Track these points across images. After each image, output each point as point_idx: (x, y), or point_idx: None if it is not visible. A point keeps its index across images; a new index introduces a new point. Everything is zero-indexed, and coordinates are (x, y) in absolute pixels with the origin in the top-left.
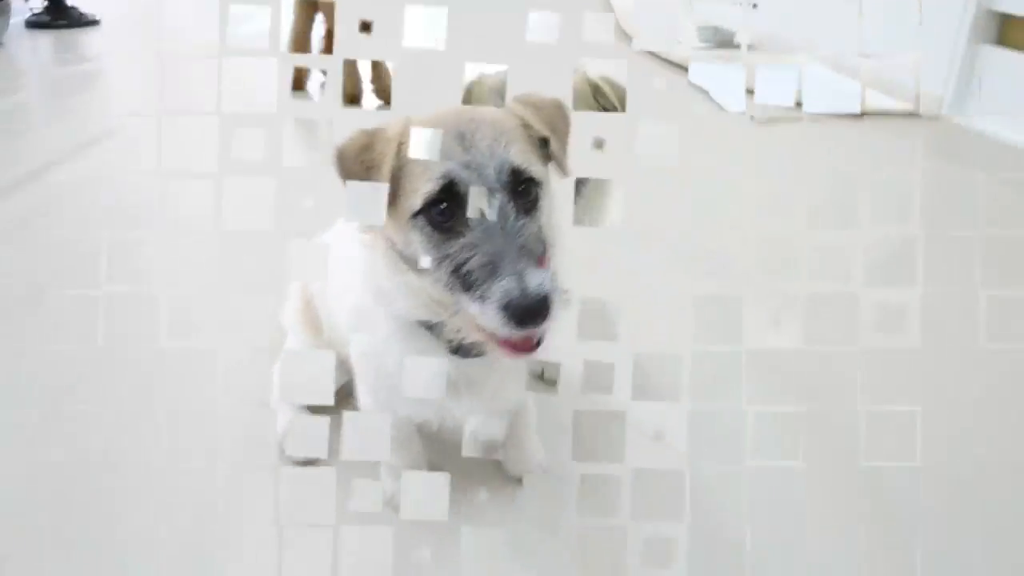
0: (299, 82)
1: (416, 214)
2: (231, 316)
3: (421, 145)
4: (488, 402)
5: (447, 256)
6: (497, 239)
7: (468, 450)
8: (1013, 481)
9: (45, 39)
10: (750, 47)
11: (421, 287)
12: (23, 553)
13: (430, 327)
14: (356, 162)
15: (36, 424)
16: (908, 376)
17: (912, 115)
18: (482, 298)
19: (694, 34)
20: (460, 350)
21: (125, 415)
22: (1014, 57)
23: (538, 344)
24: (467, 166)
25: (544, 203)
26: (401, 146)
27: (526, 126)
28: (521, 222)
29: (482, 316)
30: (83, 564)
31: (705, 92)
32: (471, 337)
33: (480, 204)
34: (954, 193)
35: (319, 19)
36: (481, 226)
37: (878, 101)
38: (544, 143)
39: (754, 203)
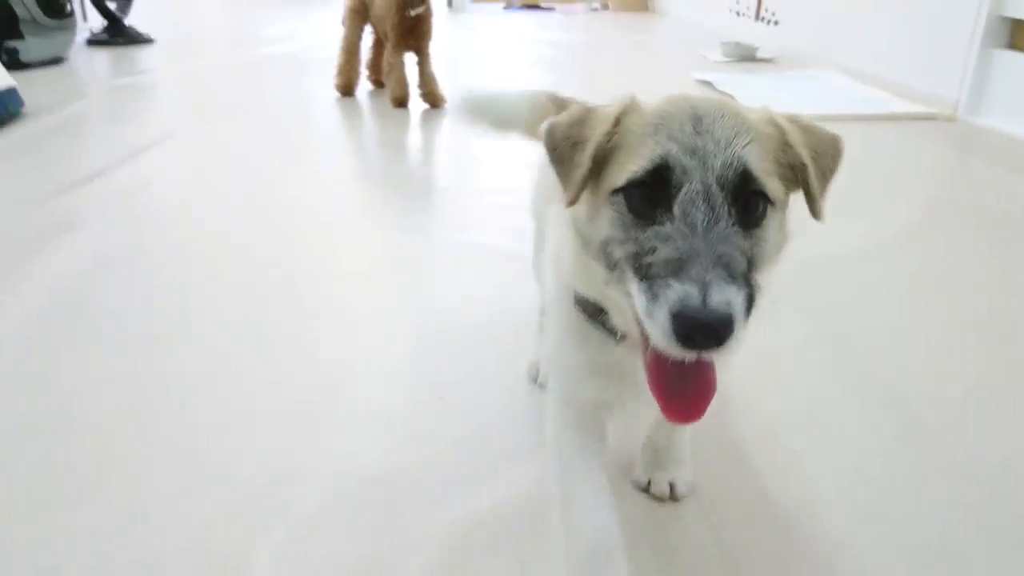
0: (348, 88)
1: (616, 191)
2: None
3: (647, 123)
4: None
5: (634, 240)
6: (697, 239)
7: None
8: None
9: (104, 55)
10: (771, 60)
11: (594, 268)
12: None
13: (596, 310)
14: (564, 137)
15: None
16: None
17: (929, 118)
18: (654, 296)
19: (718, 50)
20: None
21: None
22: None
23: (702, 404)
24: (692, 152)
25: (770, 228)
26: (619, 123)
27: (784, 144)
28: (733, 231)
29: (647, 317)
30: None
31: (731, 96)
32: (630, 335)
33: (694, 197)
34: (970, 184)
35: (368, 29)
36: (685, 219)
37: (896, 105)
38: (795, 172)
39: None
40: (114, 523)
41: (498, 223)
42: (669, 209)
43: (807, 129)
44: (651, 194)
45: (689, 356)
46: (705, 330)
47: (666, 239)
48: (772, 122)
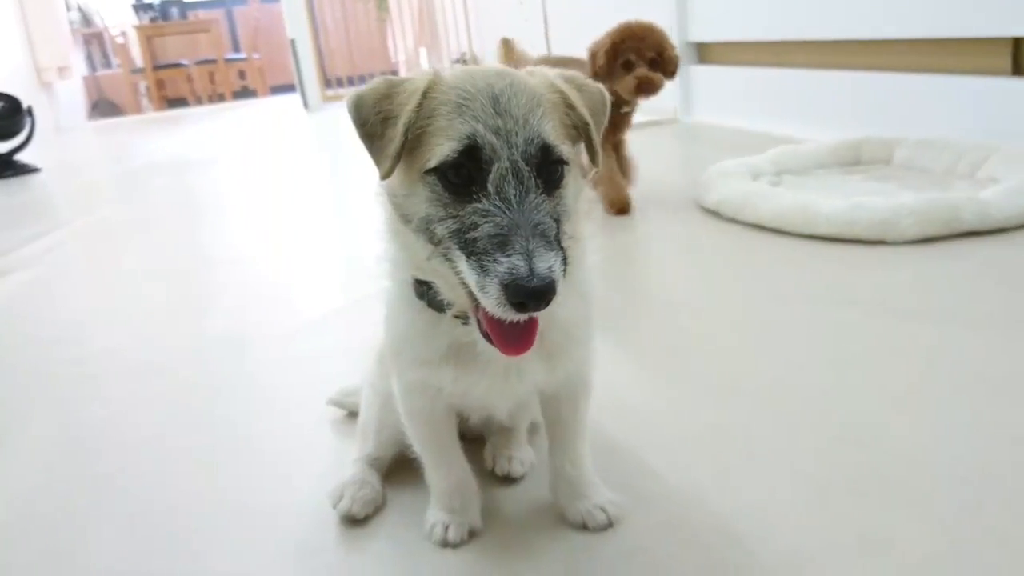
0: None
1: (430, 171)
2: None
3: (451, 101)
4: (506, 385)
5: (453, 217)
6: (513, 213)
7: (490, 462)
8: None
9: None
10: None
11: (415, 244)
12: None
13: (427, 287)
14: (373, 111)
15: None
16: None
17: (658, 123)
18: (484, 270)
19: None
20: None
21: None
22: (713, 70)
23: (528, 343)
24: (496, 131)
25: (568, 186)
26: (425, 99)
27: (568, 106)
28: (541, 200)
29: (480, 290)
30: None
31: None
32: (460, 307)
33: (504, 174)
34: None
35: None
36: (500, 196)
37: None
38: (576, 127)
39: None
40: None
41: None
42: (483, 187)
43: (581, 88)
44: (464, 173)
45: (521, 318)
46: (535, 295)
47: (485, 215)
48: (554, 88)
